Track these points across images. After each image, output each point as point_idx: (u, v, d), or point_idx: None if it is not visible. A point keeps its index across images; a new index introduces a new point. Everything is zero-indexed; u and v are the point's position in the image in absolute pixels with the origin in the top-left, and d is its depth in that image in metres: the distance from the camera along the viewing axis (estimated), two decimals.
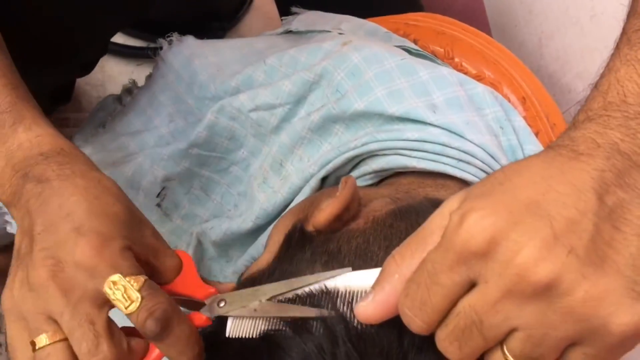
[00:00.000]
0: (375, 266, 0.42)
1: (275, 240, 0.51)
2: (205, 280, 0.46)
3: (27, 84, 0.74)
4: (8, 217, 0.78)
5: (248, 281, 0.48)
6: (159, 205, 0.70)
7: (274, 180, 0.65)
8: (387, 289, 0.37)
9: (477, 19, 1.13)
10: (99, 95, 1.18)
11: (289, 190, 0.62)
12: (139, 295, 0.39)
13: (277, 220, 0.58)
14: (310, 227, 0.48)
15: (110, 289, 0.39)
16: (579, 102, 0.90)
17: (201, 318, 0.44)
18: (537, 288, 0.31)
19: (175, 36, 0.76)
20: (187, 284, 0.45)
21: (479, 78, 0.80)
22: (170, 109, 0.72)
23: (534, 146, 0.63)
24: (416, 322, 0.36)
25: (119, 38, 1.19)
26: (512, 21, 1.04)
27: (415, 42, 0.83)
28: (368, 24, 0.79)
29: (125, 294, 0.39)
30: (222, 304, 0.44)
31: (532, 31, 0.98)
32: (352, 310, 0.40)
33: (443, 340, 0.36)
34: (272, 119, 0.66)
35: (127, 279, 0.39)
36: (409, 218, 0.48)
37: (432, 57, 0.77)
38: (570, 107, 0.90)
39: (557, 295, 0.31)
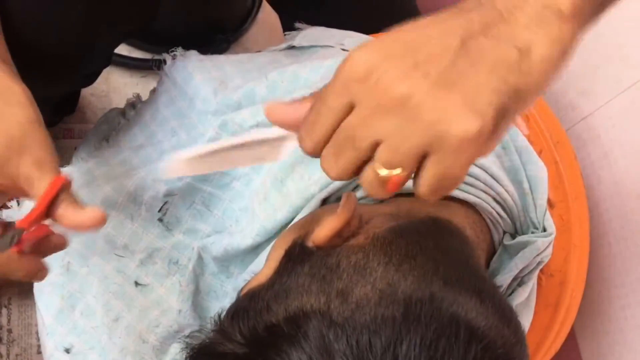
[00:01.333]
0: (374, 282, 0.42)
1: (275, 256, 0.51)
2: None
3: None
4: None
5: (247, 296, 0.48)
6: (160, 220, 0.70)
7: (275, 197, 0.65)
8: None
9: None
10: (103, 106, 1.19)
11: (289, 209, 0.62)
12: None
13: (277, 237, 0.58)
14: (310, 243, 0.48)
15: None
16: (583, 120, 0.90)
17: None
18: (395, 102, 0.38)
19: (179, 51, 0.77)
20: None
21: None
22: (174, 123, 0.73)
23: (535, 166, 0.63)
24: (306, 142, 0.42)
25: (123, 50, 1.19)
26: None
27: None
28: (370, 39, 0.79)
29: None
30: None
31: None
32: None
33: (324, 157, 0.42)
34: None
35: None
36: (409, 235, 0.48)
37: None
38: (574, 125, 0.90)
39: (410, 109, 0.38)
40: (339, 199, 0.60)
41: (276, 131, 0.46)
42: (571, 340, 0.93)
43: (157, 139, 0.73)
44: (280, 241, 0.53)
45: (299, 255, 0.48)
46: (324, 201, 0.62)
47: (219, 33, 1.17)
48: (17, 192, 0.52)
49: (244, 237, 0.65)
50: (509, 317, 0.45)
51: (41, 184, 0.50)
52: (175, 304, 0.70)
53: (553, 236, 0.61)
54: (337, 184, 0.59)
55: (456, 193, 0.57)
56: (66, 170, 0.75)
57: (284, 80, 0.68)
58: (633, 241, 0.80)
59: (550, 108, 0.81)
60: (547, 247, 0.61)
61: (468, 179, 0.57)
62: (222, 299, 0.71)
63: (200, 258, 0.69)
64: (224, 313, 0.47)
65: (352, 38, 0.78)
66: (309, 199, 0.61)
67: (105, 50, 0.77)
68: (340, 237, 0.48)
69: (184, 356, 0.46)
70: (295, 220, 0.61)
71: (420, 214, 0.55)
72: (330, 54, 0.71)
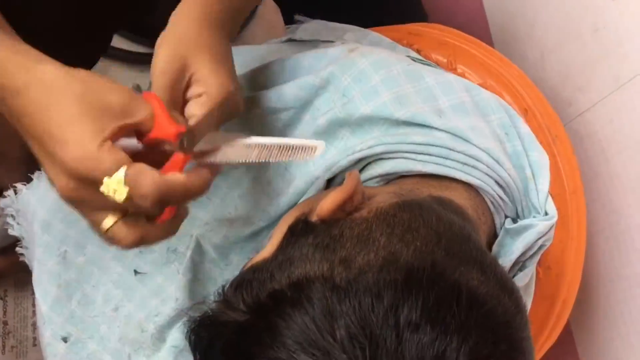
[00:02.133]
0: (377, 251, 0.43)
1: (279, 233, 0.52)
2: (176, 118, 0.51)
3: None
4: (9, 220, 0.78)
5: (251, 269, 0.48)
6: None
7: (278, 183, 0.65)
8: None
9: (480, 32, 1.13)
10: None
11: (293, 192, 0.63)
12: (124, 189, 0.44)
13: (282, 217, 0.58)
14: (314, 217, 0.49)
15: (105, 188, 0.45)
16: (580, 115, 0.91)
17: (179, 157, 0.48)
18: None
19: None
20: (162, 126, 0.50)
21: (482, 87, 0.81)
22: None
23: (538, 153, 0.63)
24: None
25: (122, 44, 1.19)
26: (514, 34, 1.04)
27: (418, 51, 0.83)
28: (372, 34, 0.79)
29: (116, 188, 0.44)
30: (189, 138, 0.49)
31: (534, 45, 0.98)
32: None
33: None
34: (276, 123, 0.66)
35: (114, 176, 0.45)
36: (412, 210, 0.49)
37: (436, 66, 0.77)
38: (572, 120, 0.90)
39: None
40: (343, 180, 0.60)
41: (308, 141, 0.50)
42: (567, 334, 0.93)
43: None
44: (285, 219, 0.54)
45: (302, 230, 0.49)
46: (328, 183, 0.62)
47: None
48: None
49: (245, 224, 0.65)
50: (510, 288, 0.46)
51: (139, 107, 0.50)
52: (173, 292, 0.70)
53: (555, 219, 0.62)
54: (342, 164, 0.60)
55: (459, 175, 0.58)
56: None
57: (285, 69, 0.69)
58: (629, 235, 0.81)
59: (549, 103, 0.82)
60: (549, 230, 0.61)
61: (471, 161, 0.58)
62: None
63: (199, 246, 0.69)
64: (227, 285, 0.47)
65: (353, 33, 0.78)
66: (312, 182, 0.62)
67: (101, 40, 0.77)
68: (344, 211, 0.49)
69: (187, 329, 0.47)
70: (300, 202, 0.62)
71: (422, 193, 0.56)
72: (332, 45, 0.71)
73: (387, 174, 0.60)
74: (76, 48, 0.71)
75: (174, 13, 0.57)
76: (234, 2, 0.59)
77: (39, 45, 0.64)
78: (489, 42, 1.13)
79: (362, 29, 0.80)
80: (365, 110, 0.60)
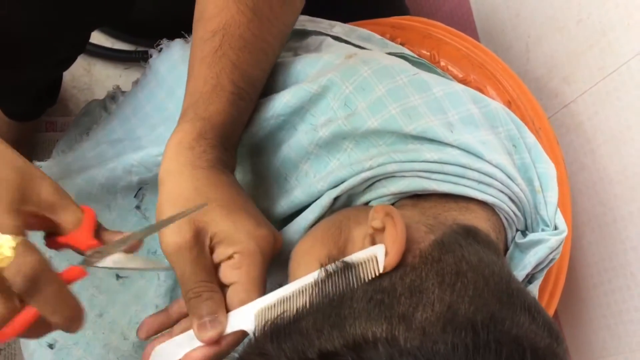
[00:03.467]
0: (433, 305, 0.43)
1: (303, 269, 0.51)
2: (103, 233, 0.51)
3: (2, 79, 0.73)
4: None
5: (286, 318, 0.46)
6: (138, 207, 0.69)
7: (276, 193, 0.63)
8: None
9: (465, 24, 1.13)
10: (86, 99, 1.18)
11: (290, 205, 0.61)
12: (11, 253, 0.43)
13: (297, 245, 0.56)
14: (379, 270, 0.47)
15: None
16: (565, 107, 0.90)
17: (76, 270, 0.47)
18: None
19: (164, 42, 0.75)
20: (82, 237, 0.49)
21: (464, 81, 0.80)
22: (155, 120, 0.71)
23: (545, 164, 0.62)
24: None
25: (106, 41, 1.18)
26: (499, 26, 1.04)
27: (401, 45, 0.83)
28: (360, 29, 0.78)
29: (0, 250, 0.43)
30: (96, 255, 0.48)
31: (519, 36, 0.98)
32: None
33: None
34: (259, 132, 0.63)
35: (6, 237, 0.43)
36: (454, 252, 0.48)
37: (429, 64, 0.76)
38: (557, 112, 0.90)
39: None
40: (350, 198, 0.59)
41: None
42: None
43: (136, 134, 0.71)
44: (308, 252, 0.52)
45: (340, 273, 0.47)
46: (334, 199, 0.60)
47: None
48: (41, 224, 0.51)
49: None
50: (556, 333, 0.46)
51: (67, 209, 0.50)
52: (152, 299, 0.69)
53: (565, 234, 0.61)
54: (352, 182, 0.57)
55: (475, 194, 0.56)
56: (46, 165, 0.74)
57: (276, 73, 0.67)
58: (615, 227, 0.81)
59: (532, 95, 0.81)
60: (560, 245, 0.61)
61: (486, 179, 0.57)
62: None
63: None
64: (257, 332, 0.46)
65: (341, 27, 0.76)
66: (314, 195, 0.59)
67: (80, 34, 0.75)
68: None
69: None
70: (306, 219, 0.59)
71: (447, 220, 0.54)
72: (325, 47, 0.70)
73: (402, 193, 0.58)
74: (55, 44, 0.70)
75: (160, 170, 0.54)
76: (226, 117, 0.57)
77: (17, 41, 0.63)
78: (474, 34, 1.12)
79: (346, 25, 0.79)
80: (372, 124, 0.58)
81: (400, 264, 0.46)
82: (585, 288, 0.87)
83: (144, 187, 0.68)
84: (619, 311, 0.81)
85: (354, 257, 0.48)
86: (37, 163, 0.73)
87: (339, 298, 0.45)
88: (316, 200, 0.59)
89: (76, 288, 0.70)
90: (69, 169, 0.71)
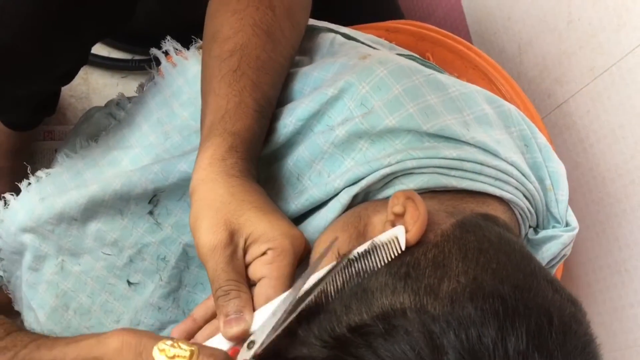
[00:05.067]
0: (458, 277, 0.44)
1: (327, 259, 0.51)
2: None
3: (4, 93, 0.74)
4: None
5: (316, 305, 0.47)
6: (151, 212, 0.69)
7: (289, 193, 0.64)
8: None
9: (458, 27, 1.14)
10: (84, 107, 1.18)
11: (305, 203, 0.61)
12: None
13: (318, 237, 0.58)
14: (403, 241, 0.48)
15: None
16: (558, 107, 0.92)
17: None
18: None
19: (172, 44, 0.76)
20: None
21: None
22: (167, 127, 0.72)
23: (555, 163, 0.63)
24: None
25: (103, 50, 1.19)
26: (492, 28, 1.05)
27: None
28: (365, 34, 0.79)
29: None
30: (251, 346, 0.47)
31: (512, 38, 0.99)
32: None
33: None
34: (279, 139, 0.64)
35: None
36: (475, 231, 0.49)
37: (436, 66, 0.77)
38: (550, 112, 0.91)
39: None
40: (367, 195, 0.60)
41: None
42: None
43: (148, 141, 0.72)
44: (329, 240, 0.53)
45: (362, 256, 0.48)
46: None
47: (200, 34, 1.17)
48: None
49: None
50: (579, 304, 0.47)
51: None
52: (156, 301, 0.69)
53: (577, 230, 0.63)
54: (371, 179, 0.58)
55: (492, 190, 0.58)
56: (55, 171, 0.74)
57: (294, 81, 0.68)
58: (609, 225, 0.82)
59: (526, 96, 0.82)
60: (571, 241, 0.63)
61: (503, 176, 0.58)
62: (209, 291, 0.71)
63: (184, 252, 0.69)
64: (290, 315, 0.46)
65: (346, 29, 0.77)
66: (330, 193, 0.60)
67: (80, 49, 0.77)
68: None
69: None
70: (324, 217, 0.60)
71: (465, 210, 0.55)
72: (341, 53, 0.71)
73: (421, 189, 0.58)
74: (56, 59, 0.71)
75: (193, 180, 0.56)
76: (252, 133, 0.59)
77: (19, 56, 0.64)
78: (467, 36, 1.13)
79: (341, 27, 0.80)
80: (389, 122, 0.59)
81: (423, 242, 0.48)
82: (580, 286, 0.87)
83: (158, 194, 0.69)
84: (613, 308, 0.82)
85: (375, 239, 0.49)
86: (45, 170, 0.73)
87: (363, 276, 0.46)
88: (332, 198, 0.60)
89: (89, 293, 0.71)
90: (82, 177, 0.71)
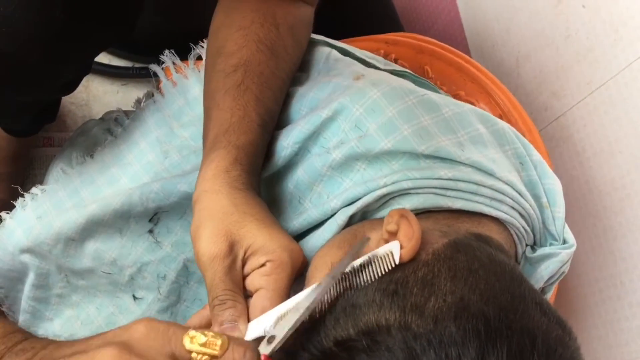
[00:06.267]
0: (445, 296, 0.44)
1: (319, 273, 0.52)
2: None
3: (7, 100, 0.74)
4: None
5: (307, 320, 0.47)
6: (151, 231, 0.69)
7: (289, 215, 0.64)
8: None
9: (456, 40, 1.15)
10: (83, 114, 1.19)
11: (303, 223, 0.62)
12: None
13: (315, 254, 0.58)
14: (395, 259, 0.48)
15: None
16: (555, 120, 0.92)
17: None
18: None
19: (172, 59, 0.76)
20: None
21: (456, 96, 0.82)
22: (166, 146, 0.72)
23: (551, 180, 0.63)
24: None
25: (103, 58, 1.20)
26: (490, 42, 1.06)
27: (395, 61, 0.84)
28: (361, 51, 0.79)
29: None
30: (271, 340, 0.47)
31: (510, 51, 1.00)
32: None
33: None
34: (278, 161, 0.65)
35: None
36: (466, 252, 0.49)
37: (431, 83, 0.78)
38: (547, 125, 0.92)
39: None
40: (364, 215, 0.60)
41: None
42: None
43: (147, 159, 0.72)
44: (323, 259, 0.54)
45: (354, 274, 0.48)
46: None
47: (199, 41, 1.17)
48: None
49: None
50: (569, 329, 0.47)
51: None
52: (152, 314, 0.69)
53: (574, 247, 0.63)
54: (367, 199, 0.58)
55: (487, 210, 0.58)
56: (50, 189, 0.74)
57: (292, 100, 0.69)
58: (605, 238, 0.82)
59: (523, 109, 0.83)
60: (569, 258, 0.63)
61: (498, 195, 0.58)
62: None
63: (185, 267, 0.69)
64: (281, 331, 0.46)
65: (343, 44, 0.78)
66: (327, 213, 0.60)
67: (84, 59, 0.77)
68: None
69: None
70: (320, 236, 0.60)
71: (460, 230, 0.55)
72: (334, 73, 0.71)
73: (417, 209, 0.59)
74: (59, 68, 0.71)
75: (196, 190, 0.57)
76: (255, 147, 0.60)
77: (22, 64, 0.65)
78: (466, 50, 1.14)
79: (333, 41, 0.80)
80: (385, 145, 0.59)
81: (414, 260, 0.48)
82: (576, 298, 0.88)
83: (159, 213, 0.69)
84: (609, 321, 0.82)
85: (371, 253, 0.49)
86: (40, 187, 0.73)
87: (354, 292, 0.46)
88: (330, 218, 0.61)
89: (98, 304, 0.71)
90: (79, 195, 0.71)
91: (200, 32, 1.20)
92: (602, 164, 0.82)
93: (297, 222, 0.62)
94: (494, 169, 0.59)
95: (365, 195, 0.58)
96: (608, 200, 0.81)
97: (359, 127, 0.61)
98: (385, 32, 0.89)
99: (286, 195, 0.65)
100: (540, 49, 0.92)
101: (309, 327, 0.45)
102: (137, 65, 1.21)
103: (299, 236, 0.63)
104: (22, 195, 0.72)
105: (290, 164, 0.65)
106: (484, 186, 0.58)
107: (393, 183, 0.58)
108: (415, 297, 0.44)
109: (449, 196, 0.58)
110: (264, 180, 0.65)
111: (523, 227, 0.61)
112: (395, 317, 0.43)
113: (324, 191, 0.63)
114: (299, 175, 0.64)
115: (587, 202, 0.84)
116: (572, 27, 0.84)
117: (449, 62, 0.86)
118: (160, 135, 0.73)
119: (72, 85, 0.81)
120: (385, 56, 0.85)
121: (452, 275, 0.46)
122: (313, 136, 0.63)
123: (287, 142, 0.64)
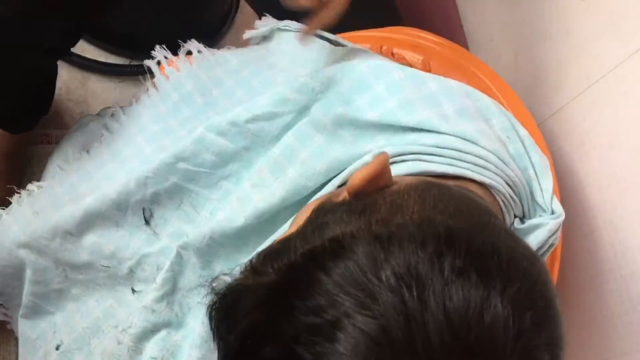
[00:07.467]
0: (412, 215, 0.43)
1: (303, 216, 0.51)
2: None
3: None
4: None
5: (277, 242, 0.47)
6: (147, 222, 0.69)
7: (271, 181, 0.65)
8: None
9: (455, 34, 1.15)
10: (81, 111, 1.18)
11: (288, 189, 0.63)
12: None
13: (300, 210, 0.57)
14: (343, 195, 0.48)
15: None
16: (555, 113, 0.92)
17: None
18: None
19: (163, 53, 0.77)
20: None
21: None
22: (164, 141, 0.72)
23: (538, 155, 0.64)
24: None
25: (100, 56, 1.19)
26: (488, 36, 1.06)
27: (392, 55, 0.84)
28: (353, 44, 0.80)
29: None
30: None
31: (508, 45, 1.00)
32: None
33: None
34: (272, 128, 0.66)
35: None
36: (440, 188, 0.49)
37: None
38: (546, 119, 0.91)
39: None
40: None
41: None
42: None
43: (144, 153, 0.72)
44: (308, 206, 0.54)
45: (332, 207, 0.48)
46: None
47: (195, 38, 1.17)
48: None
49: (231, 220, 0.64)
50: (539, 257, 0.46)
51: None
52: (149, 304, 0.69)
53: (562, 217, 0.63)
54: (354, 167, 0.60)
55: (472, 175, 0.59)
56: (47, 185, 0.74)
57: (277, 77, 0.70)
58: (606, 232, 0.82)
59: (522, 102, 0.83)
60: (558, 228, 0.62)
61: (481, 161, 0.59)
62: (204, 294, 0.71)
63: (179, 255, 0.68)
64: (254, 257, 0.46)
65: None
66: (311, 178, 0.62)
67: (63, 24, 0.76)
68: (375, 186, 0.48)
69: (211, 305, 0.45)
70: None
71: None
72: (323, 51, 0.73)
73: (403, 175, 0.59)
74: (40, 30, 0.71)
75: None
76: None
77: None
78: (464, 43, 1.14)
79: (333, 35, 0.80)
80: (371, 116, 0.61)
81: (385, 189, 0.48)
82: (575, 293, 0.87)
83: (156, 202, 0.69)
84: (610, 315, 0.82)
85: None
86: (36, 183, 0.73)
87: (323, 215, 0.46)
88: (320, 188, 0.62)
89: (98, 297, 0.71)
90: (77, 190, 0.71)
91: (196, 27, 1.20)
92: (601, 157, 0.81)
93: (282, 190, 0.64)
94: (478, 137, 0.60)
95: (350, 161, 0.61)
96: (607, 193, 0.81)
97: (347, 100, 0.63)
98: (384, 23, 0.89)
99: (270, 160, 0.66)
100: (539, 42, 0.91)
101: (279, 249, 0.45)
102: (134, 62, 1.20)
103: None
104: (19, 192, 0.72)
105: (279, 136, 0.67)
106: (467, 152, 0.59)
107: (378, 148, 0.60)
108: (382, 214, 0.44)
109: (433, 162, 0.59)
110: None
111: (510, 194, 0.61)
112: (361, 227, 0.42)
113: (309, 160, 0.64)
114: (288, 140, 0.65)
115: (586, 195, 0.84)
116: (571, 20, 0.84)
117: (447, 56, 0.85)
118: (157, 131, 0.73)
119: (56, 53, 0.80)
120: (384, 51, 0.85)
121: (422, 202, 0.45)
122: (304, 111, 0.65)
123: (279, 110, 0.66)
